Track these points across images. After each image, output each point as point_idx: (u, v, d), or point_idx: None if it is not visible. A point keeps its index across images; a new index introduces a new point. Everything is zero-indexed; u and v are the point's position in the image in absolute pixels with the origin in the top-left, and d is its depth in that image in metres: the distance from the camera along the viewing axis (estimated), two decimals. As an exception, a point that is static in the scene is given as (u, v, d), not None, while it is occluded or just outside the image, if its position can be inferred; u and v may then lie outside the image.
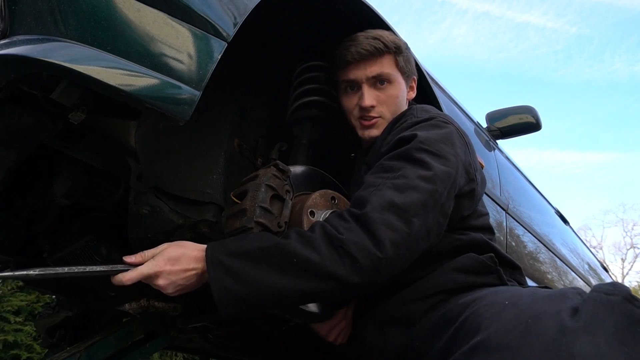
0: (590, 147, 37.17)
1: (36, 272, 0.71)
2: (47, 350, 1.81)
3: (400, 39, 1.10)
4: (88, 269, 0.76)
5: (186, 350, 2.10)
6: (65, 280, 1.34)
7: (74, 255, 1.16)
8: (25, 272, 0.71)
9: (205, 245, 0.81)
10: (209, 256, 0.78)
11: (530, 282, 1.98)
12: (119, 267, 0.79)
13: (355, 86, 1.08)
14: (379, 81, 1.07)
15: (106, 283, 1.23)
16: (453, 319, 0.76)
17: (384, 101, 1.07)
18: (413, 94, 1.15)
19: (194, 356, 3.07)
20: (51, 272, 0.73)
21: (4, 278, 0.73)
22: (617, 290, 0.61)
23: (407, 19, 40.39)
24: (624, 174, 33.33)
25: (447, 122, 0.98)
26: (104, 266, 0.78)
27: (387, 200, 0.80)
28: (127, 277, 0.78)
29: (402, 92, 1.10)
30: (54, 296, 1.95)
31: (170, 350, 3.25)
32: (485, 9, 36.01)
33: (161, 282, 0.78)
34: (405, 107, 1.11)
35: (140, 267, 0.78)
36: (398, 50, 1.07)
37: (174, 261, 0.79)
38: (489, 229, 1.03)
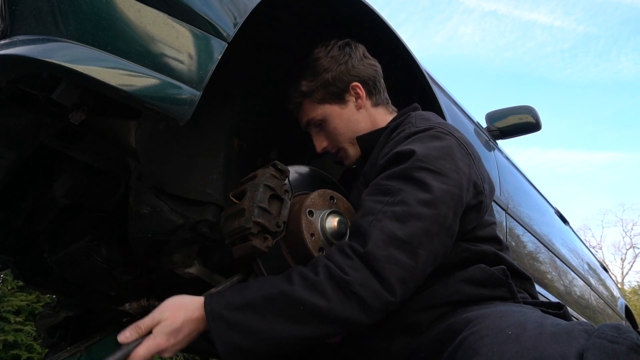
0: (595, 147, 37.09)
1: None
2: (47, 350, 1.81)
3: (313, 68, 1.06)
4: None
5: (186, 350, 2.10)
6: (66, 280, 1.34)
7: (74, 255, 1.16)
8: None
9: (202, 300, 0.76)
10: (208, 311, 0.74)
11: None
12: (121, 353, 0.72)
13: None
14: (315, 125, 1.10)
15: (107, 283, 1.24)
16: (455, 333, 0.74)
17: (331, 137, 1.09)
18: (362, 100, 1.07)
19: (194, 356, 3.07)
20: None
21: None
22: (622, 338, 0.59)
23: (413, 18, 40.23)
24: (628, 173, 33.22)
25: (448, 132, 0.92)
26: (118, 352, 0.72)
27: (389, 234, 0.77)
28: None
29: (342, 117, 1.07)
30: (54, 296, 1.95)
31: (170, 350, 3.24)
32: (492, 8, 35.68)
33: (167, 354, 0.75)
34: (363, 118, 1.08)
35: (140, 352, 0.72)
36: (306, 94, 1.06)
37: (176, 333, 0.74)
38: (495, 239, 0.98)
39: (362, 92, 1.08)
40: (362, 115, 1.08)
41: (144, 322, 0.75)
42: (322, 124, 1.09)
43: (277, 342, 0.73)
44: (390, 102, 1.15)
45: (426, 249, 0.78)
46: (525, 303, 0.87)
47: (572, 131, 39.37)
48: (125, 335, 0.74)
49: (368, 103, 1.09)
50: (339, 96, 1.07)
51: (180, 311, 0.75)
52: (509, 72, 41.48)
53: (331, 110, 1.07)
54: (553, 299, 2.20)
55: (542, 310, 0.84)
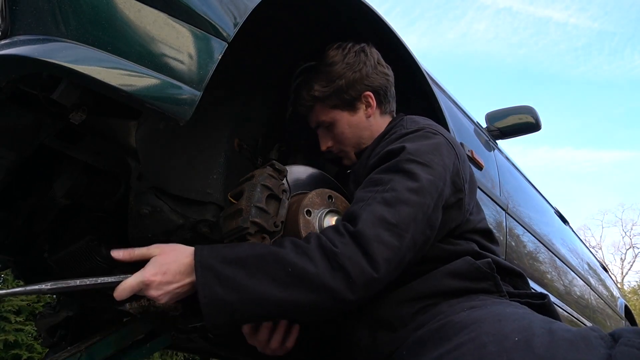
0: (605, 146, 36.86)
1: (48, 287, 0.71)
2: (47, 349, 1.81)
3: (327, 77, 1.07)
4: (100, 280, 0.75)
5: (186, 350, 2.11)
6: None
7: (74, 255, 1.16)
8: (37, 287, 0.71)
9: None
10: (198, 260, 0.74)
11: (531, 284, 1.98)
12: (128, 275, 0.76)
13: None
14: (323, 126, 1.12)
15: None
16: (446, 337, 0.73)
17: (337, 140, 1.13)
18: (372, 109, 1.10)
19: (194, 356, 3.08)
20: (63, 285, 0.72)
21: (17, 294, 0.72)
22: None
23: (427, 14, 40.13)
24: (638, 172, 32.90)
25: (436, 132, 0.97)
26: (115, 277, 0.76)
27: (378, 215, 0.79)
28: (117, 293, 0.74)
29: (350, 123, 1.10)
30: (54, 296, 1.95)
31: (171, 350, 3.26)
32: (507, 4, 35.33)
33: (153, 293, 0.74)
34: (369, 126, 1.11)
35: (128, 281, 0.74)
36: (319, 99, 1.08)
37: (165, 269, 0.74)
38: (485, 233, 1.00)
39: (373, 102, 1.10)
40: (370, 123, 1.11)
41: (139, 249, 0.77)
42: (330, 127, 1.12)
43: (259, 301, 0.72)
44: (395, 110, 1.17)
45: (410, 233, 0.80)
46: (509, 295, 0.88)
47: (583, 130, 39.21)
48: (119, 253, 0.77)
49: (377, 112, 1.12)
50: (350, 104, 1.09)
51: (173, 251, 0.77)
52: (522, 70, 41.30)
53: (340, 116, 1.10)
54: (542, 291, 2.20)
55: (527, 302, 0.86)
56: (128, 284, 0.74)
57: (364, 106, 1.10)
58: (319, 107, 1.10)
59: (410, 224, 0.80)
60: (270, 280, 0.73)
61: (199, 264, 0.74)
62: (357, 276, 0.74)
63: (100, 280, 0.75)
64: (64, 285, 0.72)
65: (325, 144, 1.13)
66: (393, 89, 1.15)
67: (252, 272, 0.73)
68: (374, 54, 1.11)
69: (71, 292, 1.20)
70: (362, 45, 1.10)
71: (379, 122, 1.13)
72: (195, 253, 0.76)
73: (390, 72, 1.14)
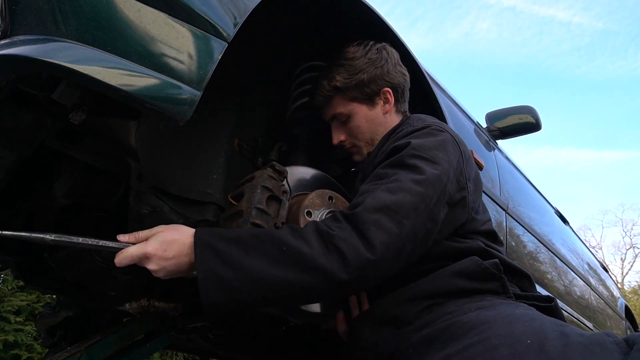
0: (606, 146, 36.71)
1: (52, 238, 0.73)
2: (47, 350, 1.81)
3: (348, 69, 1.08)
4: (102, 242, 0.77)
5: (186, 350, 2.11)
6: (66, 280, 1.34)
7: (75, 255, 1.16)
8: (41, 236, 0.73)
9: None
10: (197, 237, 0.76)
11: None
12: (130, 244, 0.78)
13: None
14: (339, 119, 1.11)
15: (107, 283, 1.24)
16: (454, 337, 0.73)
17: (351, 133, 1.12)
18: (389, 105, 1.12)
19: (194, 356, 3.08)
20: (66, 239, 0.74)
21: (21, 239, 0.74)
22: None
23: (430, 14, 40.06)
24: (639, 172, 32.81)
25: (443, 130, 0.98)
26: (117, 242, 0.78)
27: (379, 201, 0.80)
28: (118, 259, 0.77)
29: (368, 117, 1.10)
30: (54, 296, 1.96)
31: (171, 350, 3.26)
32: (511, 3, 35.12)
33: (151, 266, 0.76)
34: (385, 122, 1.11)
35: (130, 249, 0.76)
36: (340, 89, 1.08)
37: (166, 246, 0.76)
38: (490, 234, 1.00)
39: (391, 99, 1.12)
40: (386, 119, 1.12)
41: (143, 231, 0.79)
42: (346, 120, 1.11)
43: (255, 279, 0.73)
44: (407, 110, 1.18)
45: (410, 222, 0.80)
46: (516, 296, 0.87)
47: (585, 130, 39.03)
48: (125, 237, 0.78)
49: (393, 109, 1.13)
50: (370, 98, 1.10)
51: (176, 231, 0.78)
52: (524, 70, 41.09)
53: (359, 109, 1.10)
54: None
55: (534, 305, 0.86)
56: (129, 252, 0.76)
57: (382, 102, 1.11)
58: (338, 98, 1.10)
59: (411, 213, 0.80)
60: (265, 258, 0.74)
61: (198, 241, 0.76)
62: (352, 257, 0.74)
63: (102, 242, 0.77)
64: (66, 239, 0.74)
65: (338, 138, 1.13)
66: (408, 90, 1.17)
67: (248, 250, 0.74)
68: (395, 53, 1.14)
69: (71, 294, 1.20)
70: (383, 44, 1.12)
71: (394, 120, 1.13)
72: (196, 232, 0.78)
73: (407, 73, 1.16)
